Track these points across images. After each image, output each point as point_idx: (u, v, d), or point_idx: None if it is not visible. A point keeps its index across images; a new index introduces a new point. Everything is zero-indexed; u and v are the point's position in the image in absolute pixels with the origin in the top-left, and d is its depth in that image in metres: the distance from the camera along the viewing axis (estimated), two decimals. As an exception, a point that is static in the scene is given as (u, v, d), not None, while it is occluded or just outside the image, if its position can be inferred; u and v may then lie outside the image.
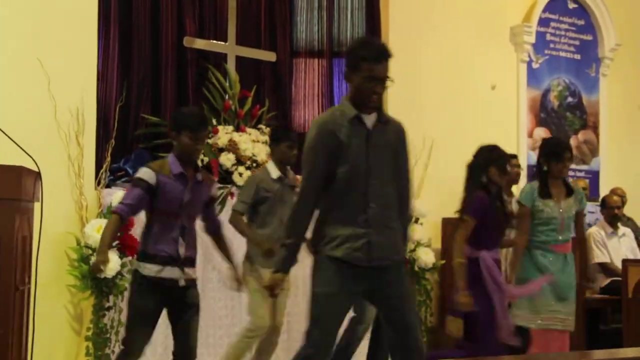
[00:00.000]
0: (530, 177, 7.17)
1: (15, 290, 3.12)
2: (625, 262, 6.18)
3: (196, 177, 3.90)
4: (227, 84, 6.35)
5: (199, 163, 5.79)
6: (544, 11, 8.01)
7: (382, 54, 3.09)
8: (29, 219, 3.41)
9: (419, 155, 6.89)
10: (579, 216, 5.07)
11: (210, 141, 5.97)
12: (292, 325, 5.57)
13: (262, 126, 6.34)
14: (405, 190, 3.29)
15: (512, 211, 4.80)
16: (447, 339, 4.90)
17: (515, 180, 5.86)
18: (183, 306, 3.87)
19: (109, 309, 5.20)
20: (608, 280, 6.54)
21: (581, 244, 5.36)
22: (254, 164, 5.93)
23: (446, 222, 6.66)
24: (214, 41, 6.45)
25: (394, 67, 7.55)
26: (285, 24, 6.95)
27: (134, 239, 4.86)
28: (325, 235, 3.13)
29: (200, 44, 6.35)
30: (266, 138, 5.94)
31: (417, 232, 6.51)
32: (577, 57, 8.29)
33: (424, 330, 6.48)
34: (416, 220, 6.57)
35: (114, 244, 5.10)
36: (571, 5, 8.28)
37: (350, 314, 4.65)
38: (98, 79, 5.76)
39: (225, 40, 6.47)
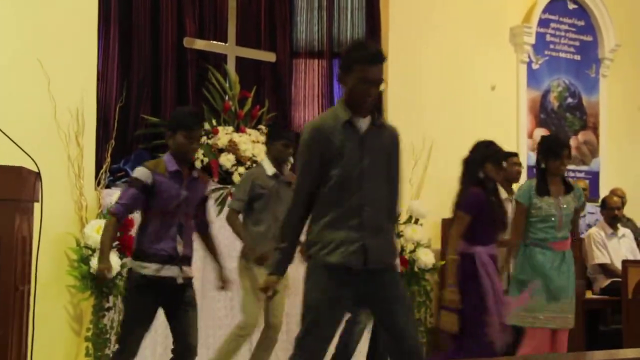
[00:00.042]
0: (531, 178, 7.16)
1: (15, 291, 3.12)
2: (625, 263, 6.18)
3: (192, 175, 3.91)
4: (227, 85, 6.35)
5: (199, 164, 5.83)
6: (543, 12, 8.01)
7: (376, 57, 3.08)
8: (28, 220, 3.40)
9: (418, 155, 6.90)
10: (576, 214, 5.07)
11: (210, 142, 5.97)
12: (291, 327, 5.56)
13: (262, 127, 6.35)
14: (394, 195, 3.26)
15: (505, 209, 4.77)
16: (444, 337, 4.88)
17: (516, 178, 5.86)
18: (180, 304, 3.88)
19: (108, 309, 5.20)
20: (608, 281, 6.54)
21: (574, 242, 5.35)
22: (254, 165, 5.93)
23: (446, 223, 6.65)
24: (214, 42, 6.45)
25: (394, 67, 7.62)
26: (285, 25, 6.95)
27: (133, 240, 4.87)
28: (319, 239, 3.11)
29: (200, 44, 6.36)
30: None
31: (417, 232, 6.51)
32: (577, 57, 8.29)
33: (424, 330, 6.49)
34: (416, 221, 6.58)
35: (114, 244, 5.11)
36: (571, 6, 8.28)
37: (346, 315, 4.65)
38: (98, 80, 5.77)
39: (225, 41, 6.47)
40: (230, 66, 6.43)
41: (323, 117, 3.19)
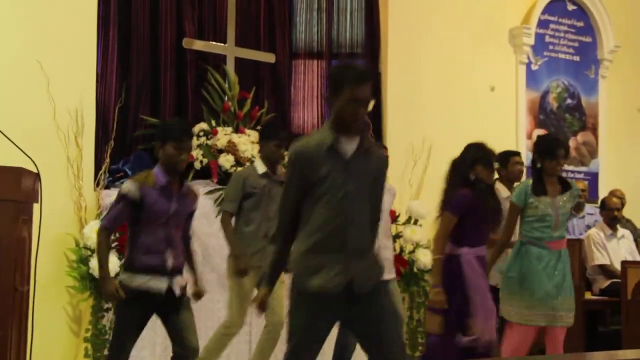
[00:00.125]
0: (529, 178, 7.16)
1: (14, 292, 3.12)
2: (624, 263, 6.18)
3: (182, 190, 3.93)
4: (226, 86, 6.35)
5: (198, 165, 5.83)
6: (543, 13, 8.02)
7: (364, 76, 3.07)
8: (28, 220, 3.40)
9: (418, 156, 6.91)
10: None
11: (209, 142, 5.97)
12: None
13: (261, 127, 6.34)
14: (375, 217, 3.26)
15: (501, 210, 4.76)
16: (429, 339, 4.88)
17: (517, 177, 5.85)
18: (172, 309, 3.90)
19: (107, 310, 5.19)
20: (607, 282, 6.54)
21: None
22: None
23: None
24: (213, 42, 6.45)
25: (394, 68, 7.62)
26: (285, 26, 6.96)
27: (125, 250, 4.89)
28: (301, 262, 3.11)
29: (199, 45, 6.36)
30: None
31: (416, 233, 6.51)
32: (576, 58, 8.30)
33: (423, 331, 6.48)
34: (415, 222, 6.58)
35: (113, 245, 5.11)
36: (570, 7, 8.28)
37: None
38: (97, 81, 5.77)
39: (225, 42, 6.47)
40: (230, 67, 6.43)
41: (308, 140, 3.15)
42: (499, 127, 7.61)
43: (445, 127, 7.10)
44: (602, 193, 7.82)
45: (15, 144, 3.23)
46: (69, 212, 5.34)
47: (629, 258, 6.57)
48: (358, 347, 5.13)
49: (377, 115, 7.04)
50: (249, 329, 5.62)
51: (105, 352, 5.11)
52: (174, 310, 3.90)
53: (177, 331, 3.91)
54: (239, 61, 6.51)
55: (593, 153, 8.36)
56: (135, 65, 6.13)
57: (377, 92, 7.13)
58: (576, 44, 8.29)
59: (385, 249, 5.17)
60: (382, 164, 3.24)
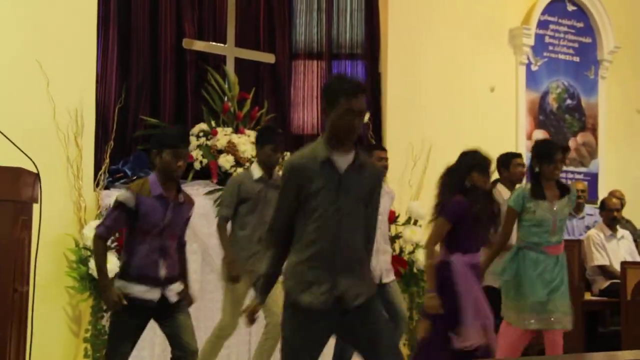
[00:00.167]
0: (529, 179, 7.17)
1: (13, 292, 3.11)
2: (623, 264, 6.18)
3: (178, 199, 3.93)
4: (226, 86, 6.35)
5: (198, 165, 5.83)
6: (543, 13, 8.02)
7: (358, 88, 3.09)
8: (27, 221, 3.39)
9: (417, 156, 6.91)
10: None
11: (209, 143, 5.97)
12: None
13: (257, 132, 6.34)
14: (369, 235, 3.25)
15: (497, 216, 4.74)
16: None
17: (519, 179, 5.85)
18: (168, 313, 3.91)
19: (107, 310, 5.18)
20: (607, 283, 6.54)
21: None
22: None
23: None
24: (213, 43, 6.45)
25: (393, 69, 7.62)
26: (285, 26, 6.96)
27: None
28: (293, 277, 3.13)
29: (199, 45, 6.36)
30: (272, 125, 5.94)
31: (416, 233, 6.51)
32: (576, 59, 8.30)
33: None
34: (415, 222, 6.58)
35: (112, 245, 5.12)
36: (570, 8, 8.28)
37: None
38: (97, 81, 5.77)
39: (225, 42, 6.47)
40: (230, 67, 6.43)
41: (303, 153, 3.16)
42: (499, 127, 7.61)
43: (445, 128, 7.11)
44: (602, 194, 7.82)
45: (14, 144, 3.23)
46: (68, 213, 5.34)
47: (629, 259, 6.58)
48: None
49: (376, 116, 7.05)
50: (249, 329, 5.62)
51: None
52: (170, 315, 3.91)
53: (176, 334, 3.92)
54: (238, 62, 6.51)
55: (593, 154, 8.36)
56: (135, 65, 6.14)
57: (376, 92, 7.13)
58: (576, 45, 8.29)
59: (384, 253, 5.18)
60: (377, 179, 3.24)
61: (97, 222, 5.19)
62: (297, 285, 3.10)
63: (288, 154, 6.15)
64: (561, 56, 8.19)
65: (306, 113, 7.10)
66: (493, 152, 5.68)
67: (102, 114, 5.82)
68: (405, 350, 5.82)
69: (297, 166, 3.10)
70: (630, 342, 5.77)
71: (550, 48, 8.11)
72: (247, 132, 6.17)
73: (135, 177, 5.54)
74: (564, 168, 7.24)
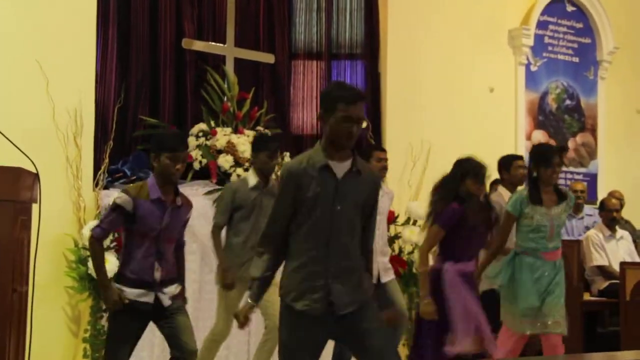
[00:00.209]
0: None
1: (12, 292, 3.11)
2: (623, 264, 6.18)
3: (176, 202, 3.93)
4: (226, 86, 6.36)
5: (197, 165, 5.83)
6: (542, 14, 8.02)
7: (357, 96, 3.10)
8: (26, 221, 3.39)
9: (417, 157, 6.91)
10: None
11: (208, 143, 5.97)
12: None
13: (260, 128, 6.35)
14: (367, 243, 3.26)
15: (492, 223, 4.73)
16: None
17: (520, 181, 5.85)
18: (166, 314, 3.92)
19: (106, 311, 5.17)
20: (606, 283, 6.54)
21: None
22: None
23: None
24: (213, 43, 6.45)
25: (393, 69, 7.61)
26: (284, 26, 6.96)
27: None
28: (288, 283, 3.14)
29: (198, 45, 6.36)
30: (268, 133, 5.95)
31: (415, 234, 6.50)
32: (576, 60, 8.30)
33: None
34: (414, 223, 6.58)
35: (112, 245, 5.12)
36: (569, 8, 8.29)
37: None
38: (96, 81, 5.77)
39: (224, 42, 6.47)
40: (229, 67, 6.43)
41: (301, 159, 3.16)
42: (498, 128, 7.62)
43: (445, 128, 7.11)
44: (601, 194, 7.82)
45: (14, 144, 3.22)
46: (68, 213, 5.33)
47: (628, 259, 6.58)
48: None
49: (376, 116, 7.05)
50: (249, 329, 5.61)
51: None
52: (168, 316, 3.91)
53: (174, 335, 3.92)
54: (238, 61, 6.51)
55: (592, 154, 8.36)
56: (135, 65, 6.14)
57: (376, 92, 7.14)
58: (575, 45, 8.30)
59: (382, 254, 5.18)
60: (374, 185, 3.24)
61: (97, 222, 5.20)
62: (291, 291, 3.11)
63: (288, 154, 6.17)
64: (560, 57, 8.19)
65: (306, 113, 7.10)
66: (492, 153, 5.69)
67: (102, 113, 5.82)
68: (404, 351, 5.81)
69: (295, 172, 3.10)
70: (629, 343, 5.77)
71: (550, 48, 8.11)
72: (247, 132, 6.17)
73: (134, 177, 5.55)
74: (564, 169, 7.25)
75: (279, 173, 5.78)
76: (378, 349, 3.11)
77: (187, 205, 4.08)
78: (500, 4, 7.81)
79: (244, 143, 5.98)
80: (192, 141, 5.95)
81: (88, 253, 5.13)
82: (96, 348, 5.15)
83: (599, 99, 8.41)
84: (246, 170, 5.86)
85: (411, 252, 6.48)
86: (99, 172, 5.53)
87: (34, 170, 3.26)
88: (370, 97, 6.97)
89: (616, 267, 6.33)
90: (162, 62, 6.25)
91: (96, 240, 3.89)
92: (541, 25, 8.01)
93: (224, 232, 4.86)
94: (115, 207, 3.85)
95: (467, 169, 4.44)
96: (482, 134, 7.29)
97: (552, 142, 7.89)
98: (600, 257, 6.62)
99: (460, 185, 4.43)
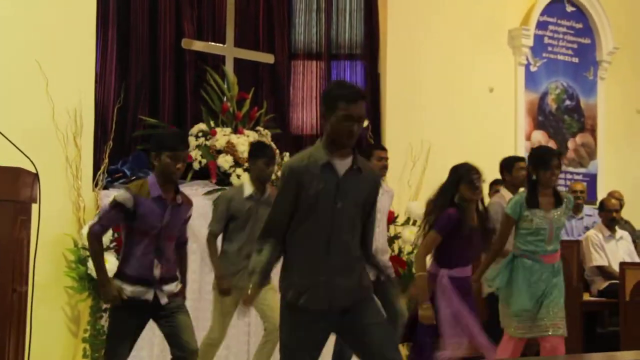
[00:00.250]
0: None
1: (12, 292, 3.11)
2: (622, 265, 6.18)
3: (176, 200, 3.93)
4: (225, 86, 6.36)
5: (197, 165, 5.83)
6: (542, 14, 8.02)
7: (358, 94, 3.12)
8: (26, 221, 3.39)
9: (416, 157, 6.92)
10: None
11: (208, 143, 5.97)
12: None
13: (260, 128, 6.35)
14: (368, 238, 3.28)
15: (489, 229, 4.73)
16: None
17: (522, 183, 5.85)
18: (166, 313, 3.91)
19: (106, 310, 5.18)
20: (605, 284, 6.54)
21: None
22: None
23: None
24: (212, 43, 6.45)
25: (392, 69, 7.61)
26: (284, 26, 6.96)
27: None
28: (288, 280, 3.16)
29: (198, 45, 6.36)
30: (264, 140, 5.95)
31: (415, 234, 6.50)
32: (575, 60, 8.30)
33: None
34: (414, 223, 6.58)
35: (111, 245, 5.12)
36: (569, 9, 8.29)
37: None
38: (96, 81, 5.77)
39: (224, 42, 6.47)
40: (229, 67, 6.43)
41: (302, 156, 3.18)
42: (498, 128, 7.62)
43: (444, 128, 7.11)
44: (601, 194, 7.82)
45: (13, 144, 3.22)
46: (67, 213, 5.34)
47: (627, 259, 6.58)
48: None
49: (376, 116, 7.05)
50: (248, 329, 5.63)
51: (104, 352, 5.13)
52: (169, 315, 3.91)
53: (175, 334, 3.92)
54: (237, 62, 6.51)
55: (592, 154, 8.36)
56: (134, 65, 6.14)
57: (376, 92, 7.14)
58: (575, 46, 8.30)
59: (383, 252, 5.18)
60: (374, 183, 3.26)
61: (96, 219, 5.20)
62: (292, 288, 3.12)
63: (287, 154, 6.17)
64: (560, 57, 8.19)
65: (305, 113, 7.10)
66: (492, 153, 5.70)
67: (101, 114, 5.82)
68: (404, 350, 5.81)
69: (297, 169, 3.11)
70: (629, 343, 5.77)
71: (550, 49, 8.11)
72: (246, 132, 6.17)
73: (134, 177, 5.54)
74: (563, 169, 7.25)
75: (279, 173, 5.82)
76: (378, 345, 3.12)
77: (188, 203, 4.08)
78: (500, 4, 7.81)
79: (243, 143, 5.98)
80: (191, 141, 5.95)
81: (88, 253, 5.13)
82: (96, 348, 5.15)
83: (599, 99, 8.41)
84: (246, 170, 5.86)
85: (411, 253, 6.48)
86: (99, 172, 5.53)
87: (33, 170, 3.26)
88: (370, 97, 6.97)
89: (616, 268, 6.33)
90: (161, 62, 6.25)
91: (95, 236, 3.88)
92: (541, 25, 8.01)
93: (219, 239, 4.86)
94: (115, 205, 3.85)
95: (460, 175, 4.44)
96: (482, 134, 7.30)
97: (552, 143, 7.91)
98: (600, 258, 6.62)
99: (456, 191, 4.44)
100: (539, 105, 8.01)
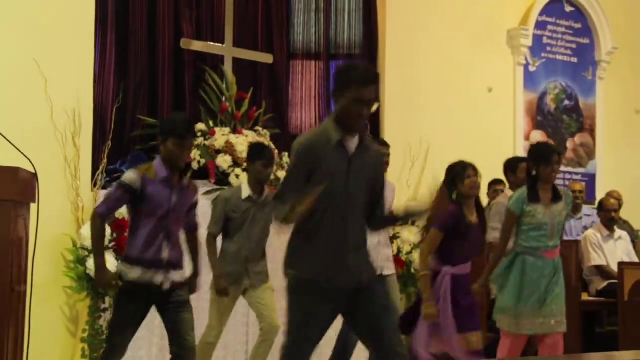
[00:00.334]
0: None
1: (11, 292, 3.11)
2: (621, 265, 6.19)
3: (182, 183, 3.92)
4: (224, 86, 6.36)
5: (196, 165, 5.83)
6: (541, 14, 8.02)
7: (371, 78, 3.13)
8: (25, 221, 3.40)
9: (415, 157, 6.92)
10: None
11: (207, 143, 5.97)
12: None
13: (259, 128, 6.35)
14: (379, 210, 3.31)
15: (487, 227, 4.73)
16: None
17: (523, 183, 5.86)
18: (170, 306, 3.90)
19: (104, 310, 5.19)
20: (604, 283, 6.54)
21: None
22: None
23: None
24: (211, 43, 6.45)
25: (391, 69, 7.60)
26: (283, 26, 6.96)
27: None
28: (299, 257, 3.15)
29: (197, 45, 6.35)
30: (263, 140, 5.95)
31: (414, 234, 6.50)
32: (574, 60, 8.30)
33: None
34: (412, 223, 6.58)
35: (111, 245, 5.11)
36: (568, 9, 8.29)
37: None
38: (95, 81, 5.77)
39: (223, 42, 6.47)
40: (228, 67, 6.43)
41: (315, 132, 3.20)
42: (497, 128, 7.62)
43: (443, 128, 7.12)
44: (600, 194, 7.82)
45: (12, 144, 3.23)
46: (66, 213, 5.33)
47: (626, 259, 6.58)
48: (357, 348, 5.16)
49: (375, 116, 7.05)
50: (247, 329, 5.62)
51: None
52: (171, 307, 3.88)
53: (176, 330, 3.90)
54: (236, 62, 6.51)
55: (591, 154, 8.37)
56: (133, 65, 6.14)
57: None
58: (574, 46, 8.30)
59: (385, 246, 5.17)
60: (380, 158, 3.32)
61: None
62: (302, 265, 3.12)
63: (287, 154, 6.17)
64: (559, 57, 8.19)
65: (304, 113, 7.10)
66: (491, 153, 5.72)
67: (100, 114, 5.82)
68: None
69: (310, 144, 3.11)
70: (628, 343, 5.77)
71: (548, 49, 8.12)
72: (245, 132, 6.17)
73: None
74: (562, 169, 7.25)
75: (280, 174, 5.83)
76: (388, 331, 3.13)
77: (193, 187, 4.07)
78: (498, 4, 7.81)
79: (242, 143, 5.98)
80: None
81: (86, 253, 5.13)
82: (94, 348, 5.15)
83: (598, 99, 8.42)
84: (245, 170, 5.86)
85: (410, 253, 6.48)
86: (98, 172, 5.52)
87: (32, 170, 3.26)
88: (369, 97, 6.96)
89: (614, 267, 6.34)
90: (160, 62, 6.25)
91: (99, 217, 3.83)
92: (540, 25, 8.02)
93: (219, 240, 4.87)
94: (122, 185, 3.81)
95: (456, 172, 4.46)
96: (481, 134, 7.30)
97: (551, 143, 7.91)
98: (599, 257, 6.63)
99: (453, 190, 4.45)
100: (537, 105, 8.01)
